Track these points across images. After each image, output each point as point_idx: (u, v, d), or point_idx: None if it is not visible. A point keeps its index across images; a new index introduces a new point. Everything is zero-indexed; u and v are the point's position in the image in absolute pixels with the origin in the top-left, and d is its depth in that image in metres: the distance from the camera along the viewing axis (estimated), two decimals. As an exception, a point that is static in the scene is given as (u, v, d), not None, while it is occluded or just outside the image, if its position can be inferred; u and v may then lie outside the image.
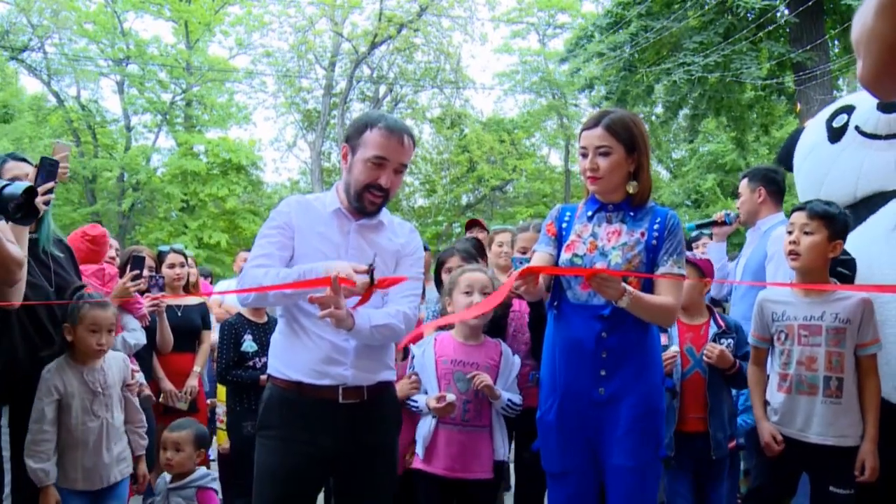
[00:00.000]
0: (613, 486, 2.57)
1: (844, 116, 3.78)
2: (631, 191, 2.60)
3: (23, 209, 2.60)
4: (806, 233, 2.93)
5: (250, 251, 2.57)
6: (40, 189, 2.67)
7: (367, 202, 2.50)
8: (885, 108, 3.59)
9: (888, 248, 3.17)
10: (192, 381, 4.41)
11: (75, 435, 3.03)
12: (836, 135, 3.79)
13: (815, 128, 4.01)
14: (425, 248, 4.36)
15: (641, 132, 2.59)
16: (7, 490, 2.83)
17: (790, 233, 2.99)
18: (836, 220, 2.93)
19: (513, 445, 3.53)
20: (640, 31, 14.13)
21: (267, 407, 2.49)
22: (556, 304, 2.66)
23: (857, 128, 3.69)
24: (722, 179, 20.73)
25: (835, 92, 13.30)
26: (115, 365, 3.27)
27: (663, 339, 3.38)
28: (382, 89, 25.43)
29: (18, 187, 2.60)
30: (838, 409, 2.86)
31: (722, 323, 3.39)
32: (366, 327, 2.38)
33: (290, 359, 2.48)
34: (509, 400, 3.14)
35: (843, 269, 3.23)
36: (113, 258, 4.11)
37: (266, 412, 2.49)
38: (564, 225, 2.70)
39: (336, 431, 2.44)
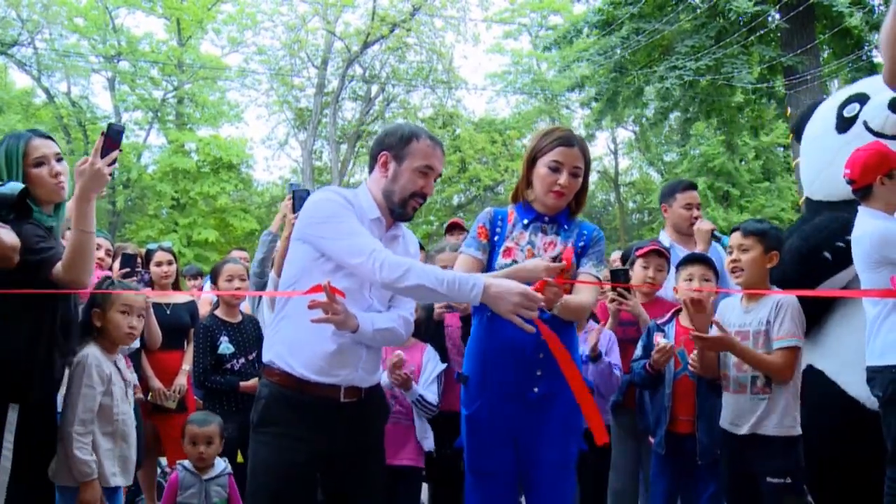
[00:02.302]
0: (539, 480, 2.71)
1: (856, 106, 3.75)
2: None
3: (15, 209, 2.58)
4: (743, 250, 3.17)
5: (334, 235, 2.44)
6: (106, 159, 2.55)
7: (410, 208, 2.59)
8: (894, 107, 3.57)
9: None
10: (181, 380, 4.39)
11: (115, 425, 3.00)
12: (844, 125, 3.76)
13: (826, 111, 3.96)
14: (421, 248, 4.40)
15: None
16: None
17: (730, 252, 3.23)
18: (768, 235, 3.17)
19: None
20: (632, 34, 14.17)
21: (266, 405, 2.47)
22: (488, 311, 2.66)
23: (865, 123, 3.67)
24: (712, 183, 20.80)
25: (825, 96, 13.34)
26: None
27: (657, 338, 3.45)
28: (374, 89, 25.42)
29: (15, 188, 2.57)
30: (765, 405, 3.07)
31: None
32: (369, 330, 2.42)
33: (298, 348, 2.44)
34: (421, 396, 3.28)
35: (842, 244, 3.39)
36: (102, 259, 4.08)
37: (265, 410, 2.47)
38: (498, 230, 2.80)
39: (336, 430, 2.45)
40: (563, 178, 2.68)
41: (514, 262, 2.68)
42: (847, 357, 3.50)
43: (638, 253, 3.95)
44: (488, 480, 2.75)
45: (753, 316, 3.17)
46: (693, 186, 4.35)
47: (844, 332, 3.52)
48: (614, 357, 3.53)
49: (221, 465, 3.47)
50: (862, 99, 3.77)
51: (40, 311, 2.70)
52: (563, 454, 2.71)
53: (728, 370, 3.20)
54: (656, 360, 3.33)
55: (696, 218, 4.14)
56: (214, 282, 4.35)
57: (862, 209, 3.16)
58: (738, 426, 3.12)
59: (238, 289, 4.25)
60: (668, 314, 3.56)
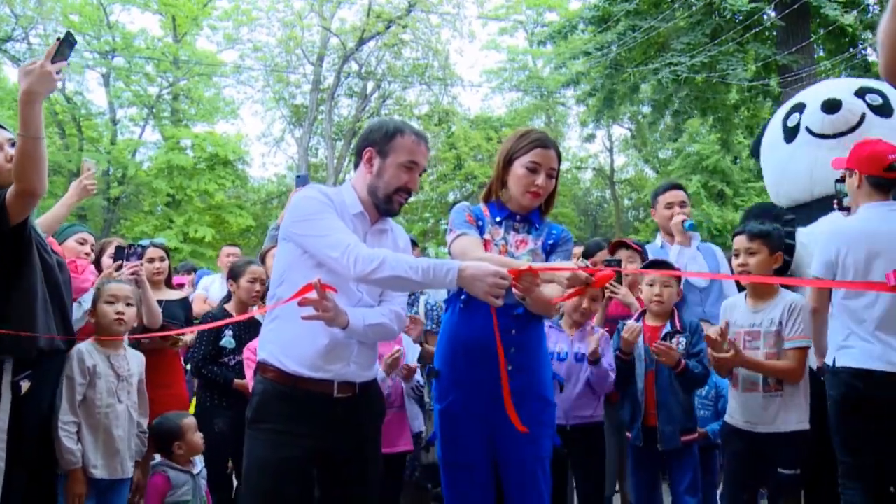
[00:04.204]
0: (516, 477, 2.75)
1: (797, 115, 3.94)
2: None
3: None
4: (751, 253, 3.25)
5: (315, 233, 2.44)
6: (53, 67, 2.53)
7: (396, 204, 2.60)
8: (827, 108, 3.72)
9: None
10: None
11: (97, 417, 3.05)
12: (790, 134, 3.96)
13: (773, 125, 4.17)
14: (415, 245, 4.41)
15: None
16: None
17: (736, 256, 3.30)
18: (772, 237, 3.27)
19: None
20: (628, 31, 14.18)
21: (260, 401, 2.48)
22: (462, 297, 2.75)
23: (807, 128, 3.83)
24: (707, 181, 20.81)
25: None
26: (135, 358, 3.36)
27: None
28: (370, 85, 25.39)
29: None
30: (780, 402, 3.18)
31: (678, 324, 3.53)
32: (360, 325, 2.44)
33: (291, 347, 2.46)
34: (418, 381, 3.47)
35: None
36: (88, 253, 4.06)
37: (260, 406, 2.48)
38: (479, 222, 2.84)
39: (330, 426, 2.46)
40: (540, 178, 2.74)
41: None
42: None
43: (608, 249, 4.08)
44: (464, 473, 2.79)
45: (764, 316, 3.25)
46: (674, 186, 4.45)
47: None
48: (609, 356, 3.56)
49: (199, 461, 3.54)
50: (800, 108, 3.97)
51: (19, 276, 2.70)
52: (537, 448, 2.76)
53: (738, 369, 3.29)
54: (626, 341, 3.42)
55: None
56: (236, 280, 4.34)
57: None
58: (753, 424, 3.22)
59: (259, 291, 4.24)
60: (636, 315, 3.67)
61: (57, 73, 2.53)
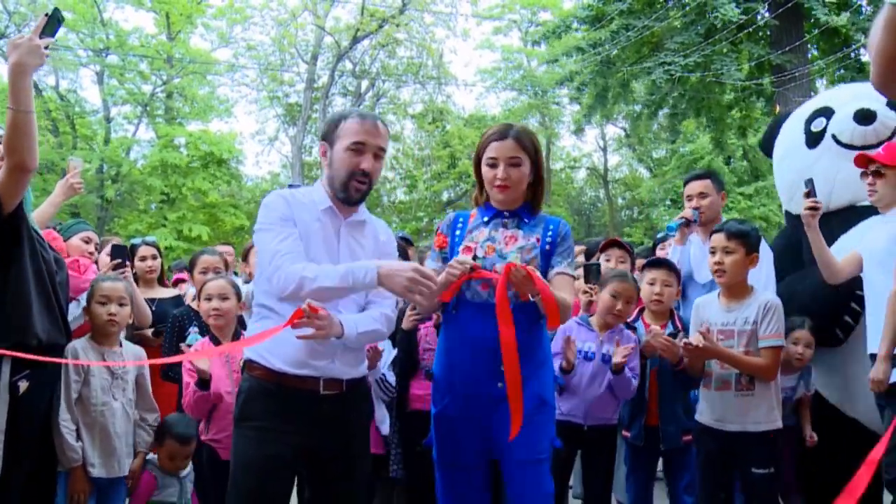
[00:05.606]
0: (514, 479, 2.72)
1: (823, 121, 3.82)
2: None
3: None
4: (727, 252, 3.22)
5: (264, 243, 2.50)
6: (42, 42, 2.54)
7: (353, 190, 2.55)
8: (861, 119, 3.62)
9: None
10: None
11: (93, 415, 3.05)
12: (814, 140, 3.83)
13: (794, 126, 4.03)
14: (410, 244, 4.38)
15: (539, 144, 2.86)
16: None
17: (713, 253, 3.28)
18: (750, 237, 3.25)
19: None
20: (622, 30, 14.21)
21: (248, 398, 2.49)
22: (453, 304, 2.73)
23: (833, 136, 3.73)
24: (700, 181, 20.79)
25: (812, 94, 13.47)
26: (132, 354, 3.33)
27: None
28: (364, 84, 25.39)
29: None
30: (751, 401, 3.19)
31: (679, 324, 3.54)
32: (353, 335, 2.45)
33: (276, 345, 2.46)
34: (384, 375, 3.40)
35: (857, 306, 3.43)
36: (92, 253, 4.05)
37: (246, 403, 2.49)
38: (458, 232, 2.83)
39: (317, 422, 2.46)
40: (500, 171, 2.70)
41: (475, 256, 2.71)
42: (828, 377, 3.70)
43: (600, 248, 4.05)
44: (463, 474, 2.77)
45: (737, 315, 3.25)
46: (694, 177, 4.19)
47: (825, 354, 3.63)
48: (635, 360, 3.47)
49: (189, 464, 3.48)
50: (827, 113, 3.83)
51: (14, 267, 2.68)
52: (535, 450, 2.70)
53: (711, 367, 3.29)
54: (651, 346, 3.38)
55: (695, 209, 4.12)
56: (190, 272, 4.32)
57: None
58: (723, 422, 3.22)
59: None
60: (635, 312, 3.63)
61: (45, 48, 2.52)
